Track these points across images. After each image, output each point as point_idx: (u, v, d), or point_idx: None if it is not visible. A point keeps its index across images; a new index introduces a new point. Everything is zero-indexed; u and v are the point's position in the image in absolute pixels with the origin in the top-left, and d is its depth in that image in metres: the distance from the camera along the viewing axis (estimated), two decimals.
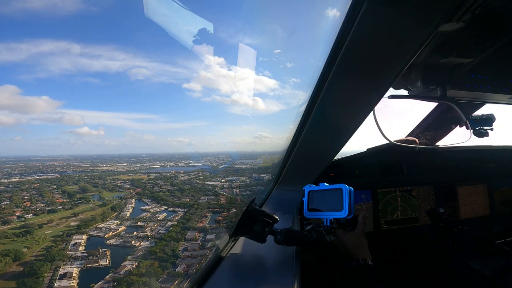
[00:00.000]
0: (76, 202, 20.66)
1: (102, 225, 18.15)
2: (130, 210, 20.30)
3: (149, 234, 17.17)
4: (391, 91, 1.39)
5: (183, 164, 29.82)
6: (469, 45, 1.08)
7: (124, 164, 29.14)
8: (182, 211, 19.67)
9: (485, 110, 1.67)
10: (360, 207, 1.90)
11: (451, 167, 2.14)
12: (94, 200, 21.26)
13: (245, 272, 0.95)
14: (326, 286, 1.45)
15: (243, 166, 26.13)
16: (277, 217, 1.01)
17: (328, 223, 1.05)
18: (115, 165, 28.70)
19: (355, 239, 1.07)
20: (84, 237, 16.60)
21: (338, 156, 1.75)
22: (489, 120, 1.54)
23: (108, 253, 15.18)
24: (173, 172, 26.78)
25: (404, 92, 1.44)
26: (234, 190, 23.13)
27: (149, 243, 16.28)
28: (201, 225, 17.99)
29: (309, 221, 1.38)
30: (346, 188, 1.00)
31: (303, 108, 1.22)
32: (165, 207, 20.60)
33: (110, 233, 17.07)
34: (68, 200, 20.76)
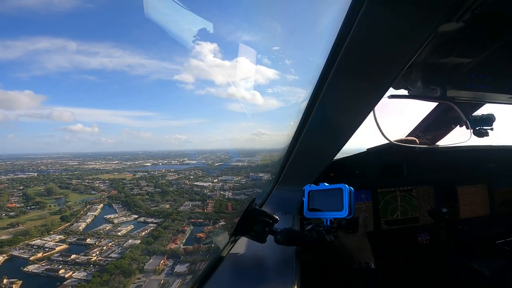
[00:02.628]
0: (28, 209, 16.50)
1: (38, 241, 13.24)
2: (89, 220, 15.72)
3: (94, 259, 12.03)
4: (391, 91, 1.39)
5: (176, 162, 27.66)
6: (469, 45, 1.08)
7: (115, 162, 26.80)
8: (154, 223, 15.42)
9: (485, 110, 1.68)
10: (360, 206, 1.90)
11: (451, 167, 2.14)
12: (51, 206, 17.11)
13: (245, 272, 0.95)
14: (326, 286, 1.45)
15: (239, 164, 23.83)
16: (277, 217, 1.01)
17: (328, 223, 1.05)
18: (105, 163, 26.45)
19: (358, 242, 1.06)
20: (1, 258, 11.59)
21: (338, 156, 1.75)
22: (489, 120, 1.54)
23: (15, 287, 10.17)
24: (163, 170, 24.20)
25: (404, 92, 1.44)
26: (227, 193, 19.63)
27: (86, 274, 11.16)
28: (173, 246, 12.97)
29: (309, 221, 1.38)
30: (346, 188, 1.00)
31: (303, 107, 1.22)
32: (136, 216, 16.32)
33: (40, 254, 11.91)
34: (22, 205, 16.85)
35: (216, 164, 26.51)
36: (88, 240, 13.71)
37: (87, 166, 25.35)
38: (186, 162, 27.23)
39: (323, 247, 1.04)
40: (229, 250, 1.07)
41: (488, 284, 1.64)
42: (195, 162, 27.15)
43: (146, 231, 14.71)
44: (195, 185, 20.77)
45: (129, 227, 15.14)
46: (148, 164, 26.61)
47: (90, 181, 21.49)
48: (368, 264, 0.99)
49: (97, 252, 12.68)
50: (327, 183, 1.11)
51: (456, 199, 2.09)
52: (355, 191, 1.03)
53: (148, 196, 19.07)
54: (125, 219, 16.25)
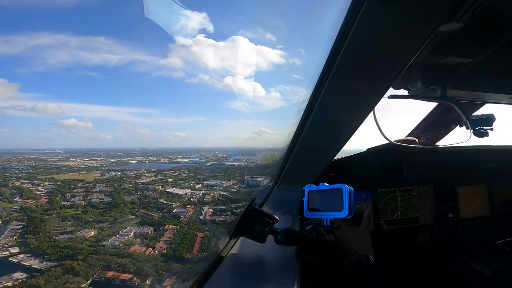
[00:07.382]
0: None
1: None
2: None
3: None
4: (391, 91, 1.39)
5: (166, 159, 24.66)
6: (469, 45, 1.08)
7: (100, 159, 23.46)
8: (34, 270, 9.36)
9: (485, 110, 1.68)
10: (360, 206, 1.90)
11: (451, 167, 2.14)
12: None
13: (245, 272, 0.95)
14: (326, 286, 1.45)
15: (236, 164, 20.72)
16: (277, 217, 1.01)
17: (328, 223, 1.05)
18: (88, 159, 23.20)
19: (359, 235, 1.08)
20: None
21: (338, 156, 1.75)
22: (489, 120, 1.53)
23: None
24: (142, 169, 20.70)
25: (404, 92, 1.44)
26: (205, 209, 13.57)
27: None
28: None
29: (309, 221, 1.38)
30: (346, 188, 1.00)
31: (303, 106, 1.22)
32: (16, 251, 10.30)
33: None
34: None
35: (209, 163, 23.10)
36: None
37: (64, 163, 21.96)
38: (177, 160, 24.43)
39: (323, 247, 1.04)
40: (229, 250, 1.07)
41: (488, 284, 1.64)
42: (188, 160, 24.42)
43: None
44: (167, 192, 15.83)
45: None
46: (133, 162, 23.35)
47: (39, 181, 17.00)
48: (367, 256, 1.00)
49: None
50: (327, 183, 1.11)
51: (456, 199, 2.09)
52: (355, 191, 1.03)
53: (81, 211, 13.46)
54: None
